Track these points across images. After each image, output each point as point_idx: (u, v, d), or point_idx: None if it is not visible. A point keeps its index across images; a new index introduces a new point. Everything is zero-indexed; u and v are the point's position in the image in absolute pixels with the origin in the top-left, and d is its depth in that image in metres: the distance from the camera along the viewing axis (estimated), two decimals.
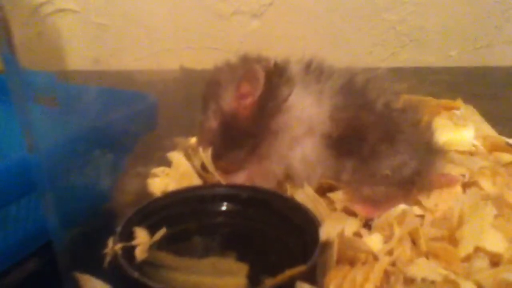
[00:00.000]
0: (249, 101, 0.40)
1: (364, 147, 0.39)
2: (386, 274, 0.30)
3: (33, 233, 0.37)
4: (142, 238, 0.33)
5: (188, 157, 0.45)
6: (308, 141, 0.40)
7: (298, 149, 0.40)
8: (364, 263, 0.31)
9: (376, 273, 0.29)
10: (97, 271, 0.31)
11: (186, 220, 0.37)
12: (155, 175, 0.43)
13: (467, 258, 0.31)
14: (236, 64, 0.43)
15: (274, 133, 0.40)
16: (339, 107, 0.39)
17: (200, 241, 0.36)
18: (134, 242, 0.33)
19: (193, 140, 0.47)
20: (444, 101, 0.53)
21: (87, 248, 0.35)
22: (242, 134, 0.41)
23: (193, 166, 0.44)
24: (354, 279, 0.29)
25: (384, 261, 0.31)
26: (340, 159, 0.39)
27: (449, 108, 0.51)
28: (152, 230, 0.34)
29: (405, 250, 0.33)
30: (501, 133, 0.50)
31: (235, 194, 0.38)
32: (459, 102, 0.53)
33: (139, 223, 0.34)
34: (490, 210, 0.35)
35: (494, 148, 0.47)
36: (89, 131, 0.43)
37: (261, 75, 0.40)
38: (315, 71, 0.41)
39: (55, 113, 0.50)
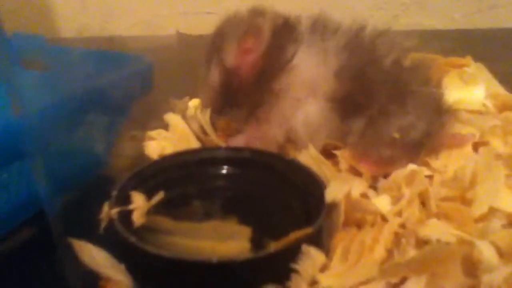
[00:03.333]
0: (252, 57, 0.38)
1: (372, 107, 0.37)
2: (396, 236, 0.28)
3: (26, 200, 0.35)
4: (139, 202, 0.32)
5: (186, 119, 0.43)
6: (312, 102, 0.38)
7: (302, 111, 0.38)
8: (372, 225, 0.30)
9: (386, 234, 0.28)
10: (93, 238, 0.30)
11: (185, 184, 0.35)
12: (152, 138, 0.41)
13: (481, 219, 0.30)
14: (244, 17, 0.40)
15: (276, 94, 0.38)
16: (345, 65, 0.37)
17: (200, 205, 0.34)
18: (130, 207, 0.31)
19: (191, 101, 0.45)
20: (454, 59, 0.50)
21: (82, 214, 0.33)
22: (243, 91, 0.39)
23: (191, 128, 0.42)
24: (362, 241, 0.28)
25: (394, 222, 0.29)
26: (346, 121, 0.37)
27: (458, 66, 0.49)
28: (149, 194, 0.33)
29: (415, 211, 0.31)
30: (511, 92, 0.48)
31: (235, 157, 0.37)
32: (469, 60, 0.51)
33: (135, 187, 0.33)
34: (502, 170, 0.33)
35: (505, 107, 0.45)
36: (82, 93, 0.41)
37: (266, 31, 0.38)
38: (321, 29, 0.39)
39: (46, 77, 0.48)
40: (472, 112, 0.43)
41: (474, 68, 0.49)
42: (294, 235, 0.27)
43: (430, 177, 0.35)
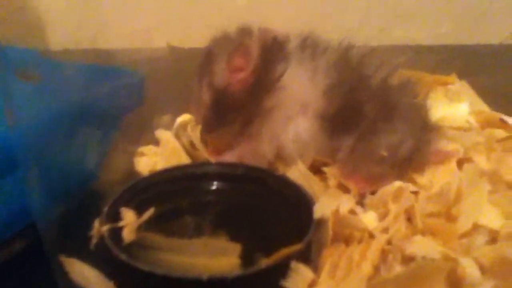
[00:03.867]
0: (242, 75, 0.39)
1: (360, 124, 0.38)
2: (383, 252, 0.29)
3: (17, 213, 0.35)
4: (129, 218, 0.32)
5: (177, 135, 0.43)
6: (301, 119, 0.38)
7: (291, 128, 0.39)
8: (360, 241, 0.30)
9: (373, 251, 0.28)
10: (84, 253, 0.30)
11: (176, 199, 0.36)
12: (143, 154, 0.41)
13: (465, 235, 0.30)
14: (233, 36, 0.41)
15: (266, 111, 0.39)
16: (334, 83, 0.38)
17: (190, 220, 0.35)
18: (121, 223, 0.31)
19: (181, 117, 0.46)
20: (439, 77, 0.52)
21: (73, 228, 0.33)
22: (233, 109, 0.39)
23: (182, 144, 0.42)
24: (350, 257, 0.29)
25: (381, 238, 0.30)
26: (335, 138, 0.38)
27: (443, 84, 0.50)
28: (140, 210, 0.33)
29: (401, 227, 0.32)
30: (494, 109, 0.49)
31: (226, 172, 0.37)
32: (453, 78, 0.52)
33: (126, 203, 0.33)
34: (486, 186, 0.34)
35: (487, 124, 0.46)
36: (74, 106, 0.41)
37: (255, 50, 0.39)
38: (310, 47, 0.40)
39: (38, 89, 0.48)
40: (456, 128, 0.44)
41: (458, 85, 0.51)
42: (283, 251, 0.28)
43: (416, 193, 0.36)
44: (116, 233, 0.30)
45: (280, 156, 0.39)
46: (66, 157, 0.38)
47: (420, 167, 0.38)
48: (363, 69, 0.39)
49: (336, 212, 0.31)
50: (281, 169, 0.39)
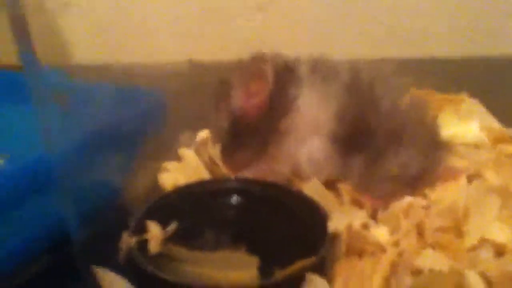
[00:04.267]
0: (257, 100, 0.41)
1: (371, 145, 0.39)
2: (394, 265, 0.31)
3: (38, 235, 0.37)
4: (155, 231, 0.34)
5: (198, 151, 0.46)
6: (315, 140, 0.40)
7: (305, 148, 0.40)
8: (372, 255, 0.32)
9: (384, 264, 0.30)
10: (112, 266, 0.32)
11: (197, 214, 0.38)
12: (166, 170, 0.44)
13: (472, 249, 0.32)
14: (247, 63, 0.43)
15: (282, 133, 0.41)
16: (345, 106, 0.40)
17: (211, 234, 0.37)
18: (147, 236, 0.34)
19: (202, 134, 0.48)
20: (449, 96, 0.53)
21: (102, 244, 0.36)
22: (251, 133, 0.42)
23: (203, 161, 0.45)
24: (362, 270, 0.30)
25: (392, 252, 0.32)
26: (347, 158, 0.40)
27: (453, 102, 0.52)
28: (164, 224, 0.35)
29: (412, 241, 0.33)
30: (505, 125, 0.51)
31: (245, 189, 0.39)
32: (463, 96, 0.53)
33: (151, 217, 0.36)
34: (495, 201, 0.36)
35: (498, 140, 0.47)
36: (101, 130, 0.44)
37: (270, 75, 0.41)
38: (322, 70, 0.42)
39: (67, 113, 0.51)
40: (467, 145, 0.46)
41: (469, 104, 0.52)
42: (299, 264, 0.30)
43: (426, 208, 0.38)
44: (142, 245, 0.33)
45: (296, 173, 0.41)
46: (93, 177, 0.41)
47: (430, 184, 0.40)
48: (374, 91, 0.41)
49: (349, 226, 0.33)
50: (297, 186, 0.41)
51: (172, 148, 0.48)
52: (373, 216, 0.38)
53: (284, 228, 0.37)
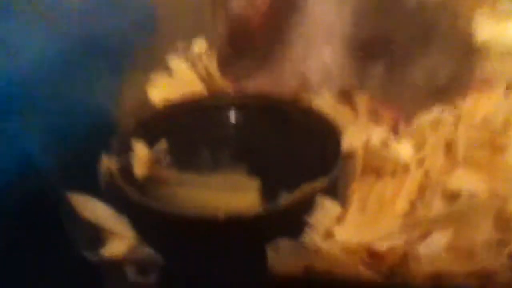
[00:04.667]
0: (260, 1, 0.35)
1: (393, 50, 0.33)
2: (420, 187, 0.26)
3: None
4: (141, 152, 0.30)
5: (192, 63, 0.40)
6: (327, 47, 0.34)
7: (315, 55, 0.35)
8: (393, 175, 0.27)
9: (409, 186, 0.25)
10: (94, 192, 0.28)
11: (191, 132, 0.33)
12: (155, 84, 0.38)
13: None
14: None
15: (287, 38, 0.35)
16: (364, 7, 0.33)
17: (206, 154, 0.32)
18: (132, 157, 0.29)
19: (197, 45, 0.42)
20: None
21: (82, 167, 0.31)
22: (252, 40, 0.36)
23: (198, 73, 0.39)
24: (382, 192, 0.26)
25: (417, 172, 0.27)
26: (364, 65, 0.34)
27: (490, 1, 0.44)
28: (152, 144, 0.31)
29: (440, 159, 0.29)
30: None
31: (245, 104, 0.34)
32: None
33: (137, 136, 0.31)
34: None
35: None
36: (81, 40, 0.39)
37: None
38: None
39: (40, 25, 0.45)
40: (505, 53, 0.39)
41: (508, 3, 0.45)
42: (308, 187, 0.25)
43: (456, 122, 0.32)
44: (127, 169, 0.28)
45: (305, 85, 0.36)
46: (73, 95, 0.36)
47: (462, 94, 0.34)
48: None
49: (367, 143, 0.28)
50: (305, 100, 0.35)
51: (163, 59, 0.42)
52: (394, 130, 0.33)
53: (290, 148, 0.32)
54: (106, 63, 0.39)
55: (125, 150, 0.30)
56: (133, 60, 0.41)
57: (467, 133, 0.31)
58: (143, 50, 0.42)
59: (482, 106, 0.33)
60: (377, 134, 0.30)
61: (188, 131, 0.33)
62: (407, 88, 0.34)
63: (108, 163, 0.28)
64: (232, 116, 0.34)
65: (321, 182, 0.25)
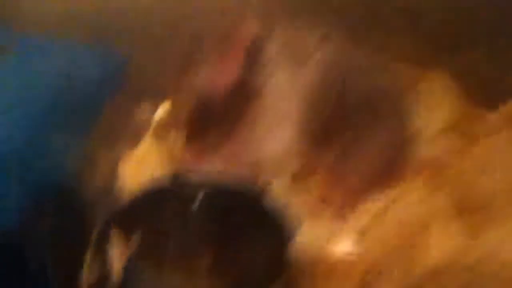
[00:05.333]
0: (225, 82, 0.38)
1: (342, 137, 0.38)
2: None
3: None
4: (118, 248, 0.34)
5: (156, 134, 0.43)
6: (282, 130, 0.38)
7: (271, 139, 0.38)
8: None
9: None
10: None
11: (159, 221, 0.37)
12: (125, 162, 0.41)
13: None
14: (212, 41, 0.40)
15: (248, 121, 0.38)
16: (316, 93, 0.37)
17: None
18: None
19: (160, 112, 0.45)
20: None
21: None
22: (217, 117, 0.39)
23: (162, 147, 0.42)
24: None
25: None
26: (317, 151, 0.38)
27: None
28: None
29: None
30: None
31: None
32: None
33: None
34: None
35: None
36: (47, 95, 0.41)
37: (240, 56, 0.37)
38: (292, 50, 0.38)
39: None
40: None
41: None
42: None
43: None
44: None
45: (262, 166, 0.40)
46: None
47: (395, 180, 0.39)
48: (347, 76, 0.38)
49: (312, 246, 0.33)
50: (263, 180, 0.39)
51: (131, 121, 0.45)
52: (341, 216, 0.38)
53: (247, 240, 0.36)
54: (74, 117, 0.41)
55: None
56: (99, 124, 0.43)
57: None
58: (110, 111, 0.44)
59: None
60: (322, 234, 0.35)
61: (157, 220, 0.37)
62: (351, 173, 0.38)
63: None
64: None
65: None
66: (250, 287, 0.33)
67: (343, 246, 0.35)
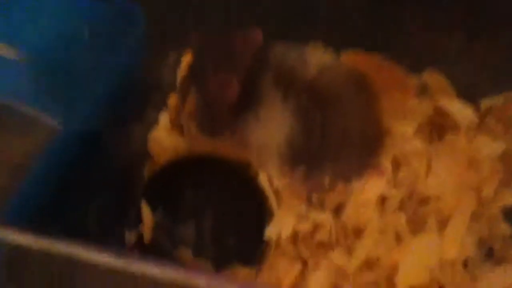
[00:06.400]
0: (229, 92, 0.44)
1: (313, 159, 0.47)
2: None
3: None
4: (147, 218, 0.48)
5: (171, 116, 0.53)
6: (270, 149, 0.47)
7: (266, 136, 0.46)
8: None
9: None
10: None
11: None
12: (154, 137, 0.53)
13: None
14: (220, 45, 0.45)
15: (247, 126, 0.47)
16: (295, 132, 0.45)
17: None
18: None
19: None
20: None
21: None
22: (221, 117, 0.47)
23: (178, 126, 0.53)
24: None
25: None
26: (293, 168, 0.47)
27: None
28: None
29: None
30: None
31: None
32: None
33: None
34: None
35: None
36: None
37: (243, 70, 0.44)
38: (284, 83, 0.44)
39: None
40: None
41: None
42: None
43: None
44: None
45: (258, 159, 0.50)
46: None
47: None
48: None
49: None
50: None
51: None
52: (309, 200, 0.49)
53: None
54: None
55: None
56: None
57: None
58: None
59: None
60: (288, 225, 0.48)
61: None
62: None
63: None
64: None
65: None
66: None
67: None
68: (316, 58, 0.45)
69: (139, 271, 0.31)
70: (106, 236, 0.46)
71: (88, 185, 0.47)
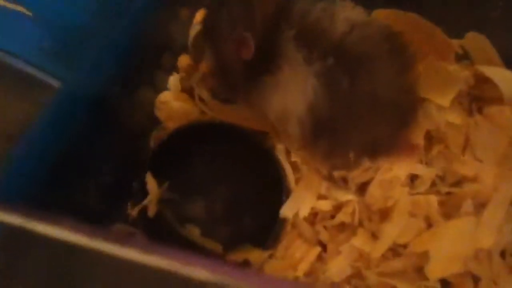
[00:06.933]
0: (244, 53, 0.40)
1: (336, 130, 0.41)
2: None
3: None
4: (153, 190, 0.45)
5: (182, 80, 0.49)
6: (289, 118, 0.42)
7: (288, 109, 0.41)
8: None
9: None
10: None
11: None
12: (159, 103, 0.48)
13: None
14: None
15: (264, 91, 0.41)
16: (318, 98, 0.39)
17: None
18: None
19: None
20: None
21: None
22: (236, 80, 0.43)
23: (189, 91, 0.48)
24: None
25: None
26: (315, 139, 0.42)
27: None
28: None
29: None
30: None
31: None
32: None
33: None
34: None
35: None
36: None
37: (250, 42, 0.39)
38: (307, 44, 0.39)
39: None
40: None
41: None
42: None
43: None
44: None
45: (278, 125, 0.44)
46: None
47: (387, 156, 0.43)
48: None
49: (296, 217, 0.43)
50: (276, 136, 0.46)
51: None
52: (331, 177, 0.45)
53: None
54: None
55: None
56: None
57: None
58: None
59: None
60: (306, 205, 0.43)
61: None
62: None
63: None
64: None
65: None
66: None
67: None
68: (345, 14, 0.39)
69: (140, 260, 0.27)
70: (108, 210, 0.43)
71: (90, 155, 0.43)
